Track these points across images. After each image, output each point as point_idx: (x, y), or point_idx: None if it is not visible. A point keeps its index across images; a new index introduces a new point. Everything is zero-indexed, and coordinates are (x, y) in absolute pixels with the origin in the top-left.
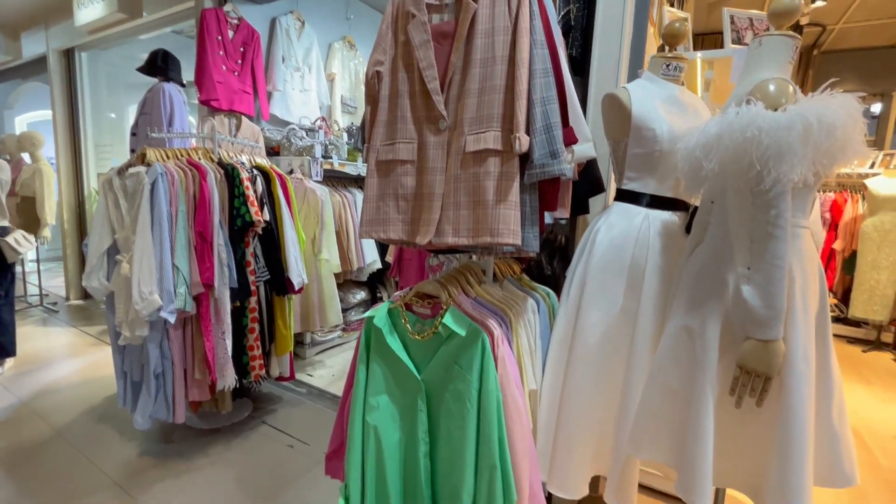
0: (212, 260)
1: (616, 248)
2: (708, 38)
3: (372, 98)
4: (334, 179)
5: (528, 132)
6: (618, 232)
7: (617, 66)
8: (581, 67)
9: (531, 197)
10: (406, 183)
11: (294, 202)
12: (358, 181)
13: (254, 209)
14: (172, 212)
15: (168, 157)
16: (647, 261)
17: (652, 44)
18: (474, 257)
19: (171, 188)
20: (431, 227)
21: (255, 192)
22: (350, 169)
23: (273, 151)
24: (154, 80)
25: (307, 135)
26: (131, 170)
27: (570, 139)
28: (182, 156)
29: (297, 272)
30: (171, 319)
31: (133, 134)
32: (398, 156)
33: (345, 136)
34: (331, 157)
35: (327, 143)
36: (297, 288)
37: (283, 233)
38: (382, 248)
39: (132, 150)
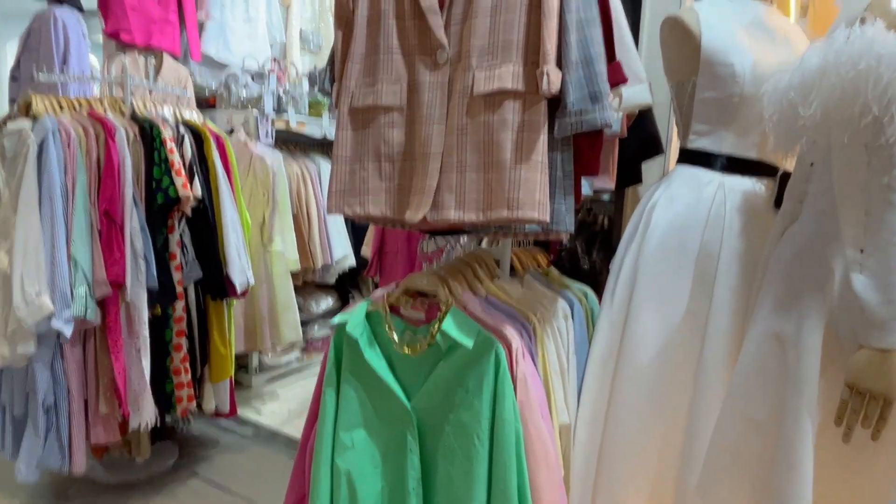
0: (122, 250)
1: (679, 229)
2: None
3: (345, 20)
4: (291, 143)
5: (559, 66)
6: (682, 207)
7: None
8: None
9: (564, 156)
10: (391, 138)
11: (236, 172)
12: (323, 146)
13: (181, 180)
14: (68, 183)
15: (62, 109)
16: (722, 246)
17: None
18: (484, 242)
19: (66, 151)
20: (426, 199)
21: (182, 157)
22: (312, 129)
23: (206, 104)
24: (42, 5)
25: (253, 81)
26: (11, 125)
27: (616, 78)
28: (81, 106)
29: (239, 268)
30: (67, 332)
31: (13, 78)
32: (380, 100)
33: (305, 83)
34: (286, 113)
35: (281, 93)
36: (239, 290)
37: (220, 214)
38: (357, 238)
39: (12, 101)
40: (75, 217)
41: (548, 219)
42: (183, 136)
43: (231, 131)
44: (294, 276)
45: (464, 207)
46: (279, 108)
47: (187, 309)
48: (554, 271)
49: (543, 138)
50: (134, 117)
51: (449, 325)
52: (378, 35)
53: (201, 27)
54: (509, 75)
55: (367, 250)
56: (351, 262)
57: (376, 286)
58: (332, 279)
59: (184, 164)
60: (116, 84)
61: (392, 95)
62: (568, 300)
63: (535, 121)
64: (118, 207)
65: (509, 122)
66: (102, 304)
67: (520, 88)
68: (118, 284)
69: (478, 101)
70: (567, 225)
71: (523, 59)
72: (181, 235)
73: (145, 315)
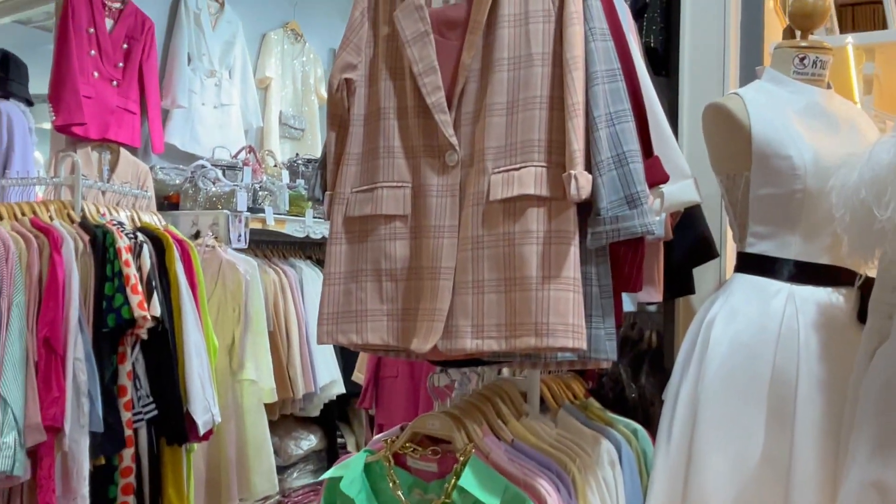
0: (62, 386)
1: (745, 350)
2: (860, 10)
3: (339, 120)
4: (268, 245)
5: (588, 168)
6: (746, 323)
7: (721, 61)
8: (664, 64)
9: (599, 270)
10: (394, 252)
11: (202, 286)
12: (306, 247)
13: (136, 298)
14: (2, 306)
15: (1, 218)
16: (800, 370)
17: (773, 26)
18: (505, 371)
19: (2, 268)
20: (437, 325)
21: (139, 270)
22: (294, 228)
23: (168, 202)
24: None
25: (224, 175)
26: None
27: (656, 176)
28: (24, 214)
29: (202, 404)
30: None
31: None
32: (381, 208)
33: (285, 175)
34: (262, 210)
35: (257, 187)
36: (202, 431)
37: (182, 337)
38: (347, 359)
39: None
40: (8, 347)
41: (584, 346)
42: (141, 245)
43: (197, 234)
44: (269, 407)
45: (482, 335)
46: (255, 206)
47: (137, 457)
48: (594, 403)
49: (575, 250)
50: (84, 224)
51: (468, 480)
52: (377, 135)
53: (165, 116)
54: (531, 179)
55: (359, 376)
56: (339, 388)
57: (371, 419)
58: (315, 411)
59: (141, 279)
60: (66, 185)
61: (394, 202)
62: (614, 441)
63: (564, 230)
64: (60, 333)
65: (533, 232)
66: (33, 454)
67: (544, 193)
68: (55, 430)
69: (495, 209)
70: (608, 352)
71: (546, 159)
72: (133, 364)
73: (86, 468)
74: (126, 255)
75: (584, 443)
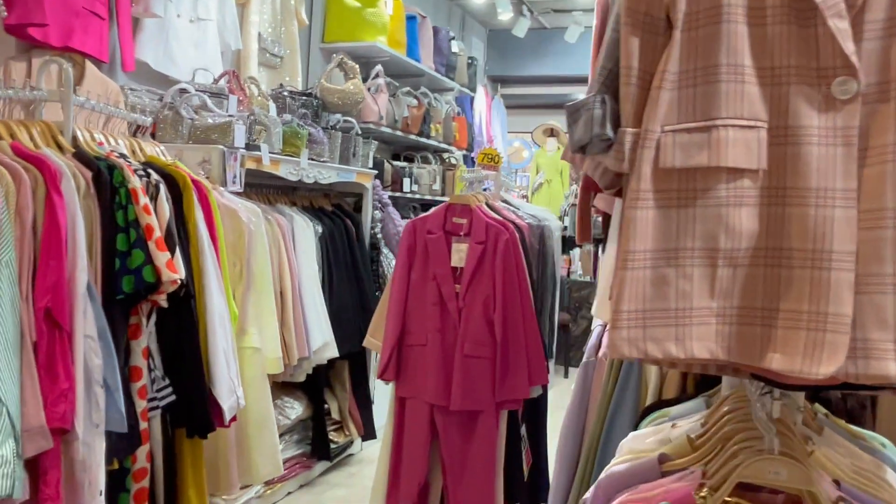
0: (71, 374)
1: None
2: None
3: (644, 20)
4: (257, 188)
5: None
6: None
7: None
8: None
9: None
10: (738, 224)
11: (222, 239)
12: (291, 193)
13: (164, 256)
14: None
15: None
16: None
17: None
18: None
19: None
20: (838, 337)
21: (158, 216)
22: (288, 170)
23: (139, 133)
24: None
25: (211, 101)
26: None
27: None
28: (0, 138)
29: (227, 385)
30: None
31: None
32: (721, 157)
33: (272, 107)
34: (258, 148)
35: (251, 119)
36: (227, 417)
37: (205, 304)
38: (338, 318)
39: None
40: None
41: None
42: (157, 187)
43: None
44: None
45: None
46: (251, 142)
47: (151, 454)
48: (822, 410)
49: None
50: (81, 155)
51: None
52: (715, 47)
53: (136, 27)
54: None
55: (373, 342)
56: (332, 352)
57: (357, 384)
58: (301, 376)
59: (161, 229)
60: (53, 101)
61: (743, 150)
62: (890, 463)
63: None
64: (66, 303)
65: None
66: (33, 465)
67: None
68: (63, 432)
69: None
70: None
71: None
72: (147, 340)
73: (102, 478)
74: (143, 199)
75: (878, 472)
